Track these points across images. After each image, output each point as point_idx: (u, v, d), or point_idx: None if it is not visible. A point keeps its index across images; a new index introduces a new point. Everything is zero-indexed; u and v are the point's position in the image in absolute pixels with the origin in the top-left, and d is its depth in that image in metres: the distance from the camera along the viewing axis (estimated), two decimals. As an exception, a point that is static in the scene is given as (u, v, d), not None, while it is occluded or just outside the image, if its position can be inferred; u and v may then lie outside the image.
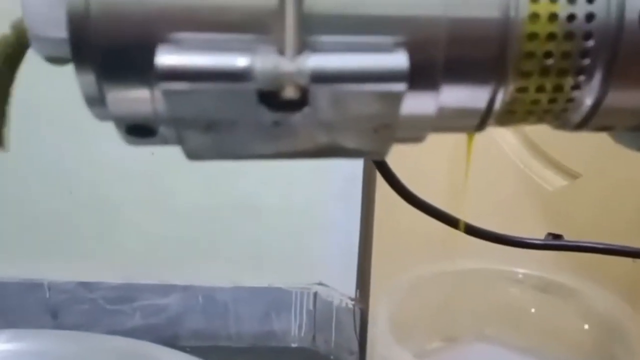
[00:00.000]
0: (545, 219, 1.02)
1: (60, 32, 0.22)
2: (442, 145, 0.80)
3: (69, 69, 0.23)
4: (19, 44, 0.24)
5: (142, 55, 0.21)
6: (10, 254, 1.35)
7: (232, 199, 1.31)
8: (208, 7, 0.21)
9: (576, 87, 0.25)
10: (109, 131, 0.24)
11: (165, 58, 0.20)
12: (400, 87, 0.21)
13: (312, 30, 0.21)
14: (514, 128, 0.97)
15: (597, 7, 0.23)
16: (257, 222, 1.32)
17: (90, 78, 0.22)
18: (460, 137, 0.29)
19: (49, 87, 0.98)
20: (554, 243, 0.70)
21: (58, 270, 1.34)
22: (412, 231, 0.99)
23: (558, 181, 1.01)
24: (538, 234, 1.02)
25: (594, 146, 0.86)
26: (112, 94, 0.22)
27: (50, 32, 0.22)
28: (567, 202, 0.99)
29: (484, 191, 0.93)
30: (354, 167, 1.27)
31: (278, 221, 1.33)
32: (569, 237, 1.01)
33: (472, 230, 0.46)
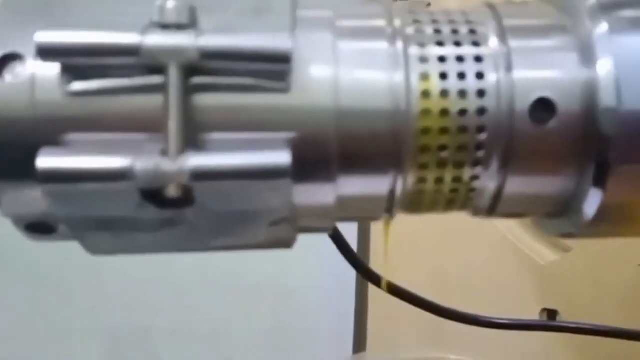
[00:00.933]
0: (539, 293, 1.02)
1: None
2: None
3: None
4: None
5: (33, 158, 0.21)
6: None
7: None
8: (96, 109, 0.22)
9: (475, 177, 0.25)
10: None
11: (44, 160, 0.21)
12: (283, 183, 0.22)
13: (200, 127, 0.22)
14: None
15: (488, 101, 0.24)
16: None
17: None
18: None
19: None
20: (533, 323, 0.69)
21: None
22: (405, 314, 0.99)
23: (549, 255, 1.01)
24: (533, 309, 1.01)
25: None
26: (6, 195, 0.22)
27: None
28: (559, 276, 0.99)
29: (476, 266, 0.92)
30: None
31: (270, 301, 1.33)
32: (564, 311, 1.00)
33: (395, 292, 0.45)
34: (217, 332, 1.29)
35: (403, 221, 0.29)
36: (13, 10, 0.23)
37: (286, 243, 0.26)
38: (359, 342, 1.17)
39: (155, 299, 1.27)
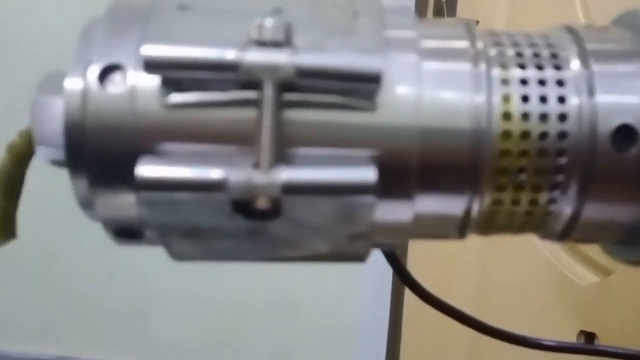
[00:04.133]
0: (578, 315, 1.01)
1: (60, 140, 0.24)
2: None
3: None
4: (27, 150, 0.26)
5: (129, 164, 0.22)
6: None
7: (264, 294, 1.32)
8: (192, 121, 0.23)
9: (552, 201, 0.26)
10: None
11: (145, 169, 0.22)
12: (368, 199, 0.23)
13: (289, 142, 0.23)
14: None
15: (569, 125, 0.25)
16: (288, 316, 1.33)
17: (83, 183, 0.24)
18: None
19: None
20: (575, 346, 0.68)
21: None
22: (440, 333, 0.99)
23: (589, 277, 1.00)
24: (570, 331, 1.00)
25: None
26: (100, 199, 0.23)
27: (53, 140, 0.24)
28: (598, 298, 0.98)
29: (515, 285, 0.92)
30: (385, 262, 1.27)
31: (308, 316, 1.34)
32: (602, 335, 0.99)
33: (449, 311, 0.45)
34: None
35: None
36: (113, 23, 0.24)
37: (361, 257, 0.26)
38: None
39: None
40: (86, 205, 0.24)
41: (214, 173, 0.22)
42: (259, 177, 0.22)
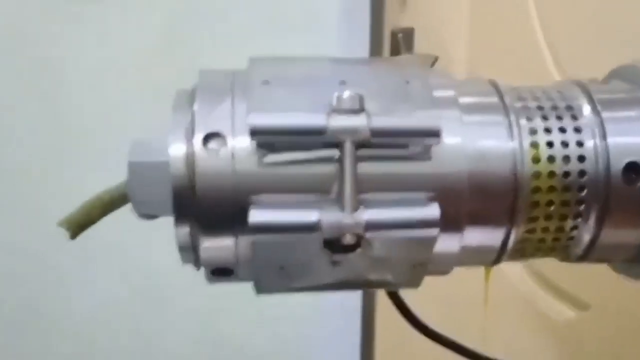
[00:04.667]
0: (551, 349, 1.05)
1: (161, 197, 0.28)
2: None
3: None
4: (120, 203, 0.31)
5: (232, 215, 0.27)
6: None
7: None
8: (284, 177, 0.27)
9: (575, 227, 0.31)
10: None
11: (256, 215, 0.26)
12: (434, 232, 0.28)
13: (364, 189, 0.28)
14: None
15: (587, 165, 0.30)
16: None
17: (186, 232, 0.28)
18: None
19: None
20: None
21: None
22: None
23: (565, 312, 1.04)
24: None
25: (606, 273, 0.89)
26: (204, 244, 0.28)
27: (152, 197, 0.29)
28: (575, 333, 1.01)
29: (493, 323, 0.96)
30: (353, 300, 1.30)
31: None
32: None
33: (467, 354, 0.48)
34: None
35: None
36: (206, 96, 0.29)
37: (416, 283, 0.31)
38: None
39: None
40: (186, 249, 0.29)
41: (312, 216, 0.26)
42: (347, 218, 0.26)
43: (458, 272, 0.32)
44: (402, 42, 0.38)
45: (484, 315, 0.42)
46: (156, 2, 1.14)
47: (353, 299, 1.28)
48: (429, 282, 0.32)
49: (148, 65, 1.13)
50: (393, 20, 1.11)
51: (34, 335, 1.25)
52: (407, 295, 0.38)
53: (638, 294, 0.89)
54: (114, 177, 0.31)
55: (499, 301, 1.02)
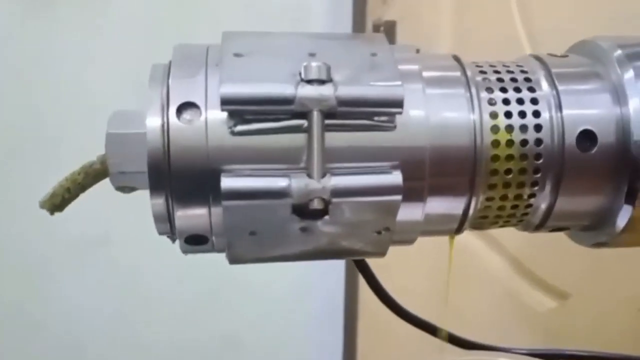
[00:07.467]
0: (534, 339, 1.06)
1: (138, 168, 0.30)
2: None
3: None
4: (102, 174, 0.33)
5: (204, 183, 0.29)
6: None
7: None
8: (254, 146, 0.29)
9: (532, 195, 0.33)
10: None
11: (228, 182, 0.28)
12: (397, 198, 0.30)
13: (331, 158, 0.30)
14: (499, 248, 1.04)
15: (544, 134, 0.32)
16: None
17: (161, 202, 0.30)
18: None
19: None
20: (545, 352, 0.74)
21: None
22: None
23: (547, 302, 1.06)
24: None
25: (584, 264, 0.90)
26: (179, 213, 0.30)
27: (130, 168, 0.30)
28: (556, 322, 1.03)
29: (471, 312, 0.98)
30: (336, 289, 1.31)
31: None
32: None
33: (455, 341, 0.50)
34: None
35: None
36: (181, 70, 0.30)
37: (383, 251, 0.33)
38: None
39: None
40: (161, 219, 0.31)
41: (281, 182, 0.28)
42: (314, 184, 0.28)
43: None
44: (384, 32, 0.40)
45: (447, 283, 0.43)
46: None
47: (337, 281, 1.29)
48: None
49: (133, 60, 1.14)
50: (375, 13, 1.13)
51: (19, 335, 1.26)
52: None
53: (613, 281, 0.91)
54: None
55: (484, 296, 1.04)
